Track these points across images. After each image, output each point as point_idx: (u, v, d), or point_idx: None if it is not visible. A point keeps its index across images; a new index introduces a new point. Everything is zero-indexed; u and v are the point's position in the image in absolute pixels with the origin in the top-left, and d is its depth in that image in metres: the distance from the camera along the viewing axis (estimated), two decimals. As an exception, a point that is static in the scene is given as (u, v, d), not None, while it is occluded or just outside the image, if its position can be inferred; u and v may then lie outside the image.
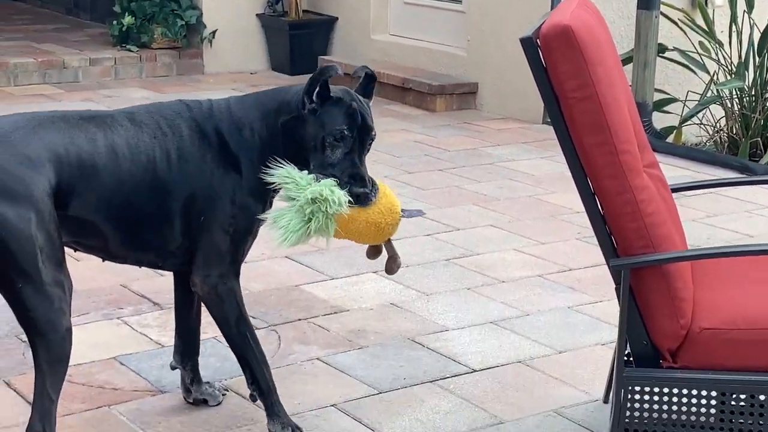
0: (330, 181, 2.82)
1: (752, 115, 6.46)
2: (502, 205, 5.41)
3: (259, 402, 3.06)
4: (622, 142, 2.67)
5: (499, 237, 4.93)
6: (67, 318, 2.67)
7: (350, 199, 2.82)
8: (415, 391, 3.41)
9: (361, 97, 2.95)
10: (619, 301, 2.72)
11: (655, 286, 2.70)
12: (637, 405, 2.71)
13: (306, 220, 2.79)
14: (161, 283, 4.00)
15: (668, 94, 6.81)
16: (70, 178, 2.73)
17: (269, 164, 2.85)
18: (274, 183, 2.85)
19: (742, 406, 2.72)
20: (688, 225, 4.97)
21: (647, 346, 2.73)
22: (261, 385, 3.01)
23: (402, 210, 2.96)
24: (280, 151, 2.92)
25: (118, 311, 3.95)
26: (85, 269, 3.97)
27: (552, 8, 6.53)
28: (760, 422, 2.69)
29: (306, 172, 2.85)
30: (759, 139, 6.45)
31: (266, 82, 8.39)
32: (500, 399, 3.37)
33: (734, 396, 2.72)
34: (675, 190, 3.22)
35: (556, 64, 2.64)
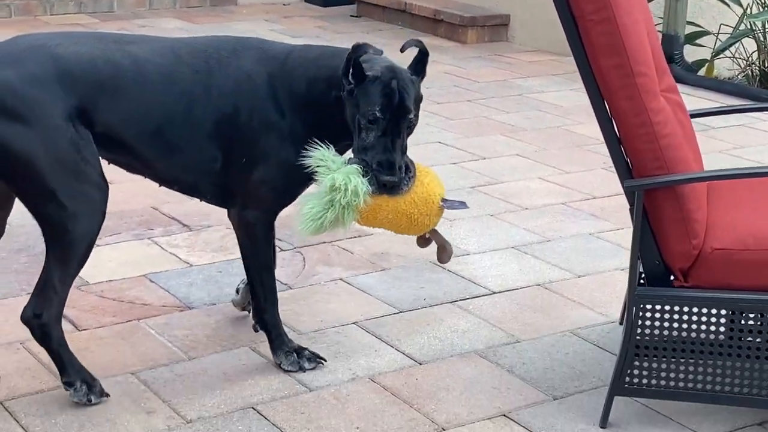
0: (353, 168, 2.71)
1: (785, 49, 6.42)
2: (528, 136, 5.45)
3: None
4: (639, 64, 2.70)
5: (524, 166, 4.98)
6: (85, 225, 2.72)
7: (373, 188, 2.71)
8: (435, 311, 3.49)
9: (408, 74, 2.80)
10: (633, 222, 2.78)
11: (669, 207, 2.75)
12: (648, 323, 2.78)
13: (325, 210, 2.71)
14: (191, 206, 4.10)
15: (700, 27, 6.78)
16: (90, 96, 2.75)
17: (310, 143, 2.77)
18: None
19: (752, 324, 2.78)
20: (715, 156, 5.05)
21: (659, 265, 2.79)
22: (266, 322, 3.06)
23: (443, 200, 2.81)
24: (329, 124, 2.83)
25: (149, 232, 4.05)
26: (117, 192, 4.04)
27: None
28: (769, 341, 2.75)
29: (347, 156, 2.78)
30: (791, 72, 6.42)
31: (299, 13, 8.42)
32: (517, 319, 3.45)
33: (744, 315, 2.78)
34: (694, 116, 3.25)
35: (574, -14, 2.67)
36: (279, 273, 3.64)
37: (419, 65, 2.83)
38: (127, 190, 4.09)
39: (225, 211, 3.07)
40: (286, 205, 3.00)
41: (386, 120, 2.73)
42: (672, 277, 2.81)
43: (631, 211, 2.79)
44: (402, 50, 2.86)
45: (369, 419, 2.85)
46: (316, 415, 2.86)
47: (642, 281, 2.86)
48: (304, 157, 2.75)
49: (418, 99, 2.82)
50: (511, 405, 2.95)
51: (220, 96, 2.86)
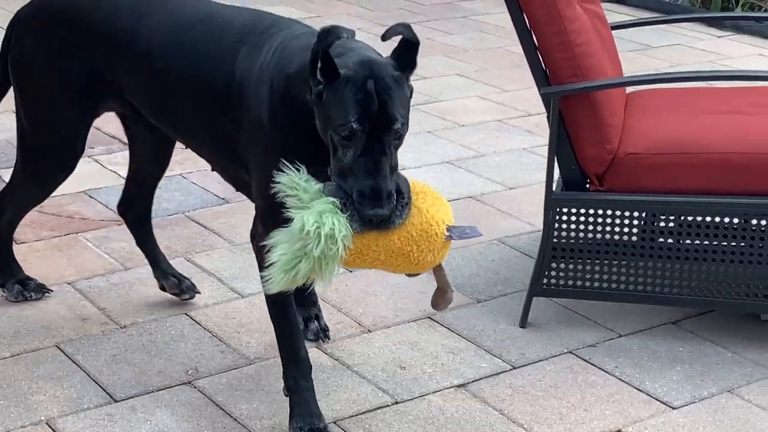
0: (328, 202, 2.08)
1: (725, -31, 6.49)
2: (470, 56, 5.52)
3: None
4: (554, -27, 2.78)
5: (464, 85, 5.05)
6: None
7: (356, 224, 2.09)
8: (368, 221, 3.58)
9: (389, 69, 2.14)
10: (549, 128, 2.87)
11: (583, 113, 2.84)
12: (564, 226, 2.89)
13: (297, 258, 2.08)
14: (130, 124, 4.15)
15: (644, -52, 6.83)
16: (107, 59, 2.60)
17: (282, 162, 2.16)
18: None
19: (663, 226, 2.89)
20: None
21: (575, 170, 2.89)
22: (285, 370, 2.45)
23: (448, 229, 2.18)
24: (304, 138, 2.23)
25: (90, 150, 4.09)
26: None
27: None
28: (680, 242, 2.86)
29: (316, 182, 2.14)
30: (731, -7, 6.50)
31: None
32: (448, 229, 3.55)
33: (656, 217, 2.89)
34: (615, 27, 3.33)
35: None
36: (217, 188, 3.72)
37: (406, 56, 2.18)
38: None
39: None
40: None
41: (365, 134, 2.09)
42: (588, 182, 2.91)
43: (548, 117, 2.88)
44: (383, 39, 2.22)
45: (298, 322, 2.95)
46: (247, 320, 2.95)
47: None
48: (274, 182, 2.15)
49: (406, 100, 2.17)
50: (436, 308, 3.06)
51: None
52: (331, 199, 2.08)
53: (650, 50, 5.64)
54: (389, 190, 2.09)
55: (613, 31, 3.31)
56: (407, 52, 2.18)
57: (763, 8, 6.27)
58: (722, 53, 5.61)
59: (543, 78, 2.88)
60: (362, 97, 2.09)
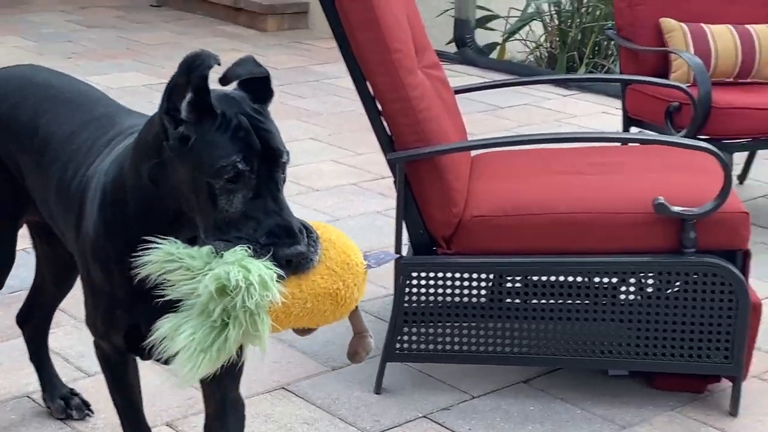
0: (239, 252, 1.79)
1: (569, 30, 6.72)
2: (324, 120, 5.55)
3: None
4: (394, 41, 2.81)
5: (317, 149, 5.07)
6: None
7: (280, 271, 1.80)
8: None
9: (250, 102, 1.90)
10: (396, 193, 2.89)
11: (429, 177, 2.87)
12: (414, 290, 2.90)
13: (218, 328, 1.79)
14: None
15: (491, 11, 7.02)
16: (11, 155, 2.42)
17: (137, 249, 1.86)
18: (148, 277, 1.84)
19: (511, 287, 2.93)
20: (500, 135, 5.24)
21: (423, 234, 2.91)
22: None
23: (365, 257, 1.99)
24: (151, 220, 1.94)
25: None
26: None
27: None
28: (527, 302, 2.90)
29: (198, 246, 1.84)
30: (575, 53, 6.72)
31: (97, 3, 8.28)
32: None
33: (503, 278, 2.93)
34: (459, 91, 3.39)
35: (329, -34, 2.76)
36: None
37: (258, 87, 1.93)
38: None
39: None
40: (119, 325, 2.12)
41: (255, 173, 1.85)
42: (437, 246, 2.93)
43: (395, 182, 2.90)
44: (224, 83, 1.91)
45: (147, 401, 2.86)
46: (93, 399, 2.85)
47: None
48: (133, 268, 1.87)
49: (279, 132, 1.96)
50: (290, 377, 3.02)
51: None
52: (237, 250, 1.79)
53: (499, 110, 5.77)
54: (299, 226, 1.86)
55: (462, 94, 3.36)
56: (260, 83, 1.94)
57: (606, 67, 6.50)
58: (568, 112, 5.78)
59: (388, 144, 2.90)
60: (243, 134, 1.83)
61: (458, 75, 6.49)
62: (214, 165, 1.82)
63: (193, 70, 1.81)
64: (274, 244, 1.80)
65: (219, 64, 1.84)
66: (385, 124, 2.90)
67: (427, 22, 6.89)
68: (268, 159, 1.86)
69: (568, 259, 2.83)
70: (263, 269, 1.77)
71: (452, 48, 6.85)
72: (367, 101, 2.89)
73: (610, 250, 2.83)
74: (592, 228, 2.84)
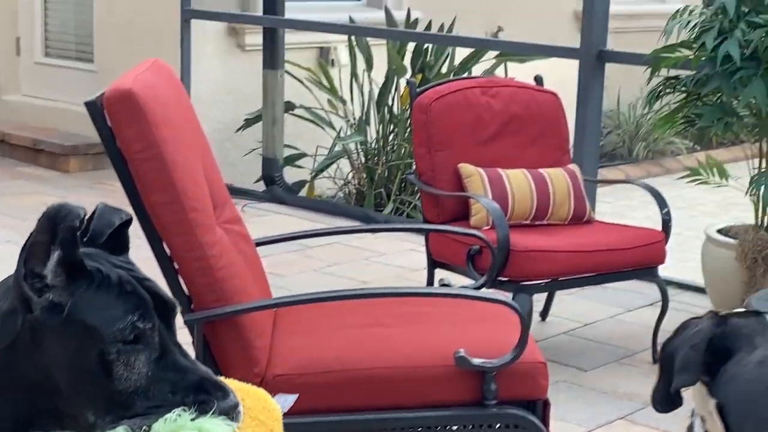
0: (184, 417, 1.58)
1: (375, 168, 6.84)
2: (128, 264, 5.40)
3: None
4: (191, 199, 2.76)
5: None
6: None
7: (234, 424, 1.64)
8: None
9: (109, 256, 1.68)
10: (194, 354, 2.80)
11: (228, 336, 2.81)
12: (216, 454, 2.79)
13: None
14: None
15: (298, 149, 7.08)
16: None
17: None
18: None
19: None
20: (310, 275, 5.23)
21: (225, 396, 2.82)
22: None
23: (275, 398, 2.03)
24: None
25: None
26: None
27: (181, 64, 6.65)
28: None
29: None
30: (383, 190, 6.84)
31: None
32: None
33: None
34: (259, 243, 3.35)
35: (120, 127, 2.70)
36: None
37: (119, 238, 1.73)
38: None
39: None
40: None
41: (156, 329, 1.64)
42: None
43: (193, 344, 2.81)
44: (99, 237, 1.71)
45: None
46: None
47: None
48: None
49: None
50: None
51: None
52: (176, 411, 1.57)
53: (308, 250, 5.77)
54: (214, 379, 1.67)
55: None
56: (120, 235, 1.73)
57: (412, 204, 6.63)
58: (377, 250, 5.83)
59: (186, 304, 2.82)
60: (131, 288, 1.62)
61: (267, 213, 6.49)
62: (108, 329, 1.58)
63: (59, 222, 1.55)
64: (207, 401, 1.61)
65: (86, 215, 1.63)
66: (182, 283, 2.83)
67: (236, 161, 6.95)
68: (161, 311, 1.66)
69: (370, 416, 2.79)
70: (223, 427, 1.59)
71: (261, 186, 6.86)
72: (163, 262, 2.81)
73: (413, 404, 2.82)
74: (393, 382, 2.82)
